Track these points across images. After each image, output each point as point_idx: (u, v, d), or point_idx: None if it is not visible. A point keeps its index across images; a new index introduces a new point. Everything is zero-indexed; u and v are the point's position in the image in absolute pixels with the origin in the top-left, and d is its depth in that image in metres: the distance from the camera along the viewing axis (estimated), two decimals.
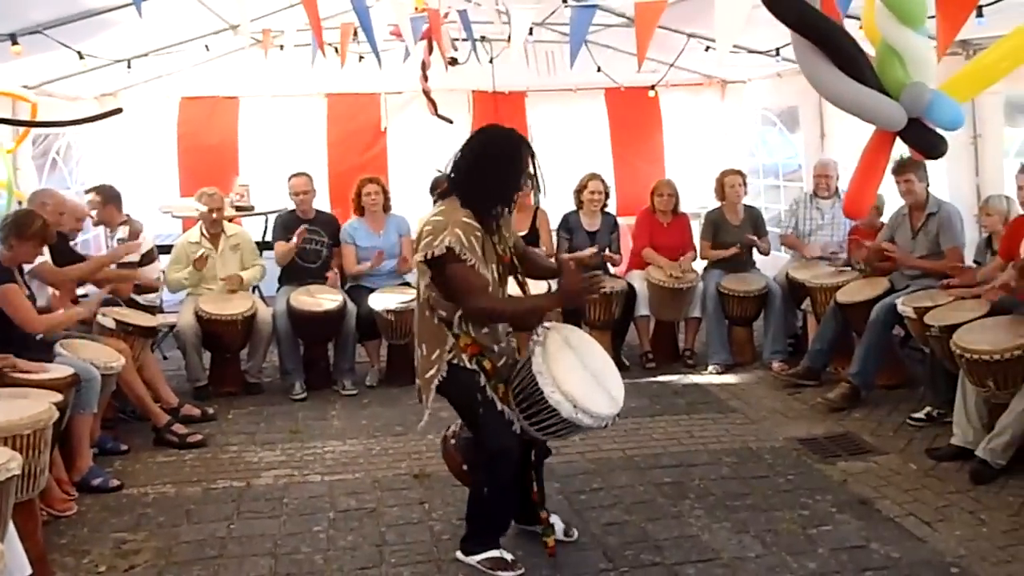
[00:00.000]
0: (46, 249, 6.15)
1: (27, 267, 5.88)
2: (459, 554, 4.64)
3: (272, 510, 5.34)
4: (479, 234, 4.26)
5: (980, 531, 4.82)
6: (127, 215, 7.48)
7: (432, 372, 4.35)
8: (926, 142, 4.31)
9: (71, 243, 6.98)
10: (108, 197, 7.45)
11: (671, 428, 6.63)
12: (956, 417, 5.82)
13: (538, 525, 4.67)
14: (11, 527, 4.02)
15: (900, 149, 7.09)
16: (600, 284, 4.51)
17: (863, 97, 4.13)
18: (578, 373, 4.30)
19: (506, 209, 4.44)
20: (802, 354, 7.75)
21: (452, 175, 4.40)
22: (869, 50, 4.33)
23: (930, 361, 6.42)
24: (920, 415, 6.44)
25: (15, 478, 3.99)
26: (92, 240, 9.23)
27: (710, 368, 8.02)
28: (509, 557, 4.53)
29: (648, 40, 6.46)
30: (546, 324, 4.45)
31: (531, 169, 4.39)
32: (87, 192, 7.66)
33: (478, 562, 4.54)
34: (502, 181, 4.34)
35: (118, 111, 7.13)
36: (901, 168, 6.90)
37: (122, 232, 7.30)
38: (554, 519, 4.79)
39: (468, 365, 4.32)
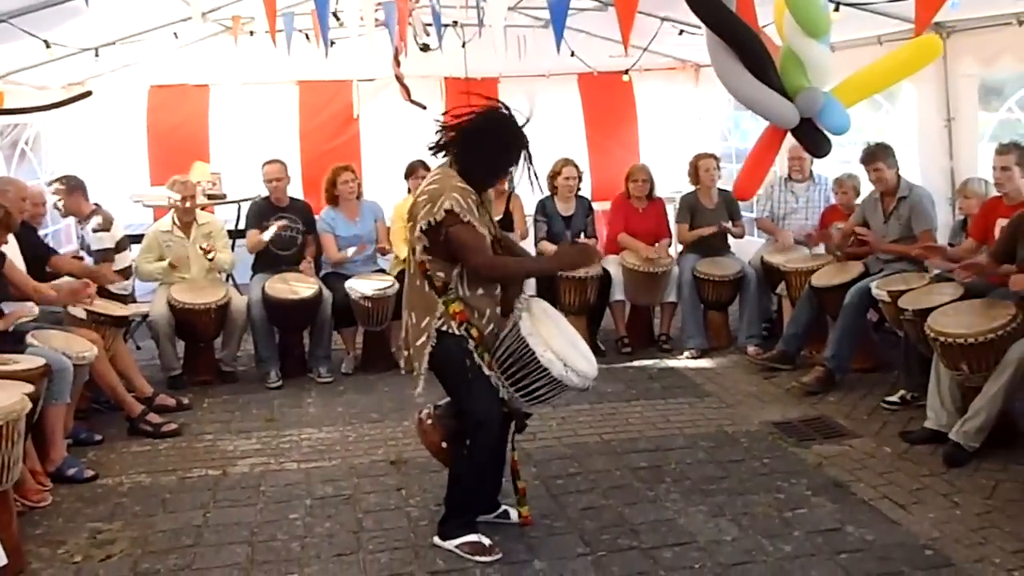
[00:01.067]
0: (15, 245, 6.09)
1: None
2: (436, 539, 4.64)
3: (248, 498, 5.32)
4: (474, 198, 4.35)
5: (954, 514, 4.85)
6: (97, 204, 7.40)
7: (423, 339, 4.39)
8: (814, 142, 4.53)
9: (40, 232, 6.92)
10: (72, 187, 7.33)
11: (647, 413, 6.65)
12: (930, 400, 5.86)
13: (499, 510, 4.86)
14: None
15: (868, 137, 7.17)
16: (595, 256, 4.54)
17: (762, 95, 4.35)
18: (560, 337, 4.45)
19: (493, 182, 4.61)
20: (777, 338, 7.79)
21: (454, 144, 4.45)
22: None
23: (904, 345, 6.46)
24: (894, 398, 6.49)
25: None
26: (63, 231, 9.15)
27: (685, 353, 8.04)
28: (487, 541, 4.54)
29: (631, 24, 6.44)
30: (524, 296, 4.57)
31: (525, 158, 4.47)
32: (50, 184, 7.56)
33: (456, 546, 4.54)
34: (502, 160, 4.47)
35: (87, 94, 7.06)
36: (869, 158, 6.93)
37: (94, 223, 7.20)
38: (507, 508, 4.89)
39: (457, 331, 4.37)
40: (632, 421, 6.49)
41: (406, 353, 4.56)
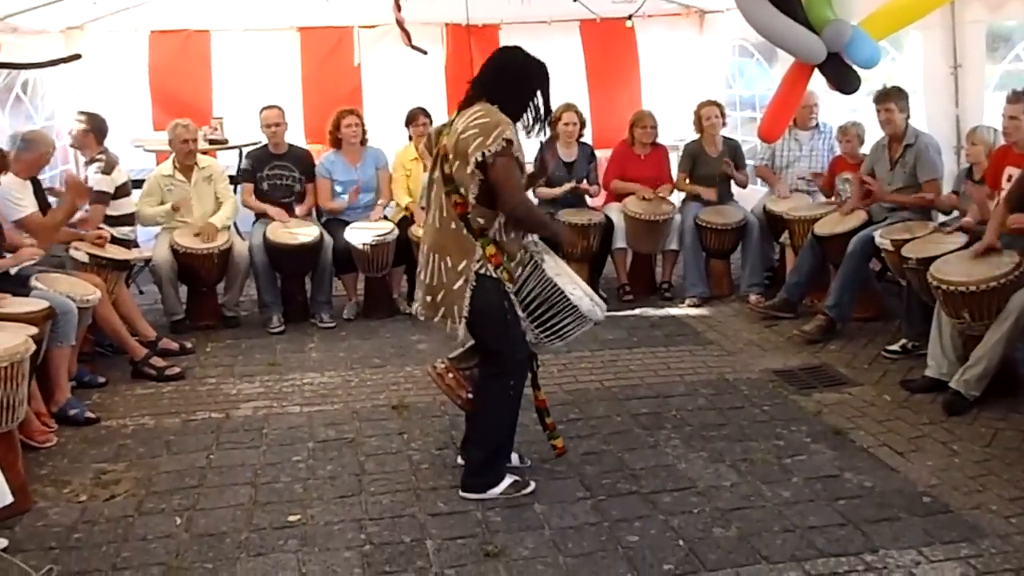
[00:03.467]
0: (31, 194, 6.14)
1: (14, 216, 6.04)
2: (474, 495, 4.55)
3: (251, 440, 5.36)
4: (516, 139, 4.34)
5: (952, 461, 4.89)
6: (105, 148, 7.37)
7: (461, 283, 4.33)
8: (841, 77, 4.42)
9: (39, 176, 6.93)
10: (92, 127, 7.34)
11: (648, 360, 6.67)
12: (931, 349, 5.87)
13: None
14: None
15: (874, 85, 7.09)
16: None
17: (787, 30, 4.26)
18: (574, 276, 4.63)
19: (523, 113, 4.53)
20: (779, 287, 7.78)
21: (487, 84, 4.43)
22: None
23: (906, 294, 6.46)
24: (895, 347, 6.51)
25: None
26: (59, 176, 9.10)
27: (687, 301, 8.04)
28: (518, 476, 4.61)
29: None
30: (532, 240, 4.61)
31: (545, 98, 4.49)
32: (79, 113, 7.56)
33: (501, 493, 4.55)
34: (533, 97, 4.43)
35: (76, 57, 7.00)
36: (883, 97, 6.88)
37: (95, 167, 7.18)
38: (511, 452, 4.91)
39: (494, 274, 4.35)
40: (633, 368, 6.51)
41: (428, 299, 4.47)
